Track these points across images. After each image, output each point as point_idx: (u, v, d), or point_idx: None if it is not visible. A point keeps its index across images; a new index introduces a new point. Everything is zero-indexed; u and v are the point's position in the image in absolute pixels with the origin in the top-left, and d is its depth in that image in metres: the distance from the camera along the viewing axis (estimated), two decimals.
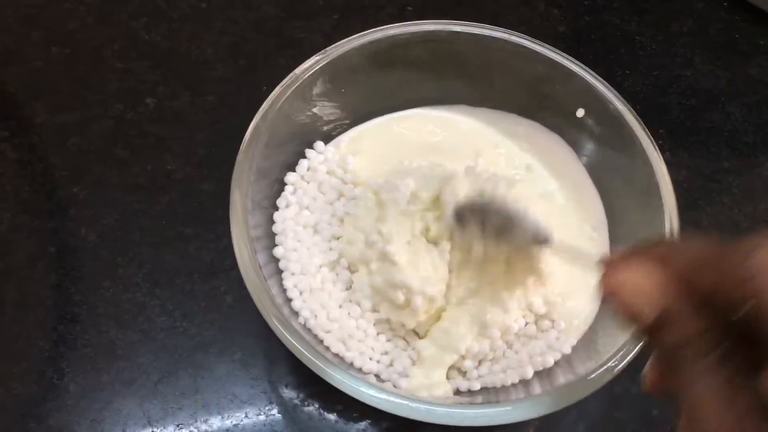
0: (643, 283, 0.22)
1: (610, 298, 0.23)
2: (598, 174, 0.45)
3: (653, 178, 0.40)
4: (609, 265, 0.23)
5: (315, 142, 0.46)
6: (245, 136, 0.41)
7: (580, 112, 0.44)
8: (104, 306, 0.45)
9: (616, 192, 0.44)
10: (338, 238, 0.41)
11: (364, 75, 0.44)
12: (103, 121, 0.53)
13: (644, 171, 0.41)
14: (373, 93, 0.46)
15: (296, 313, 0.39)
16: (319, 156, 0.45)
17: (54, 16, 0.58)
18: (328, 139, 0.47)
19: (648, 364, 0.26)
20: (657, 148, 0.41)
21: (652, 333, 0.22)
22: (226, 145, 0.50)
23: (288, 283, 0.40)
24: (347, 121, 0.47)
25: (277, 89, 0.42)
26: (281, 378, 0.44)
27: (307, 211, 0.43)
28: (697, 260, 0.21)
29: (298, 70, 0.43)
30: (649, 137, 0.41)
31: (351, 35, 0.58)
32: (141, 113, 0.53)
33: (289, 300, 0.40)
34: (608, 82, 0.57)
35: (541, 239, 0.33)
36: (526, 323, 0.40)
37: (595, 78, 0.43)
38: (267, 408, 0.43)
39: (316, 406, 0.43)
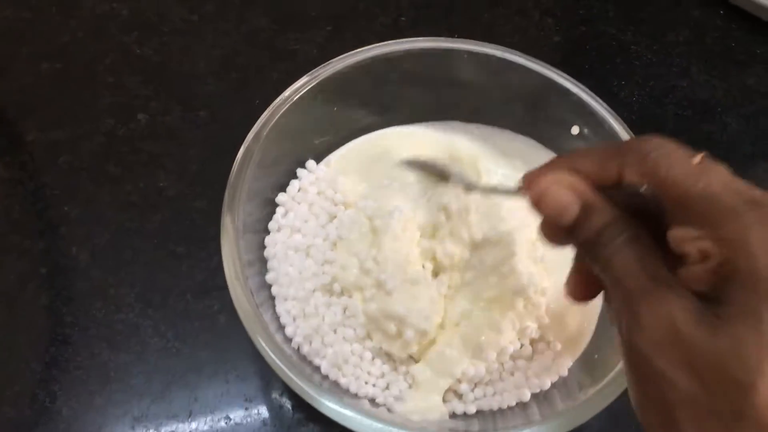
0: (563, 186, 0.26)
1: (538, 205, 0.27)
2: None
3: None
4: (530, 178, 0.27)
5: (307, 160, 0.46)
6: (236, 158, 0.41)
7: (575, 130, 0.44)
8: (96, 327, 0.45)
9: None
10: (331, 263, 0.41)
11: (356, 93, 0.44)
12: (95, 137, 0.52)
13: None
14: (365, 110, 0.46)
15: (290, 340, 0.39)
16: (310, 176, 0.45)
17: (44, 30, 0.58)
18: (320, 157, 0.46)
19: (569, 271, 0.30)
20: None
21: (576, 227, 0.26)
22: (218, 161, 0.49)
23: (281, 308, 0.39)
24: (339, 139, 0.47)
25: (268, 111, 0.42)
26: (276, 399, 0.43)
27: (299, 235, 0.42)
28: (602, 157, 0.26)
29: (288, 91, 0.42)
30: None
31: (345, 46, 0.58)
32: (133, 129, 0.53)
33: (282, 326, 0.39)
34: (603, 93, 0.56)
35: (468, 185, 0.36)
36: (522, 345, 0.39)
37: (590, 95, 0.43)
38: (262, 430, 0.42)
39: (312, 427, 0.42)
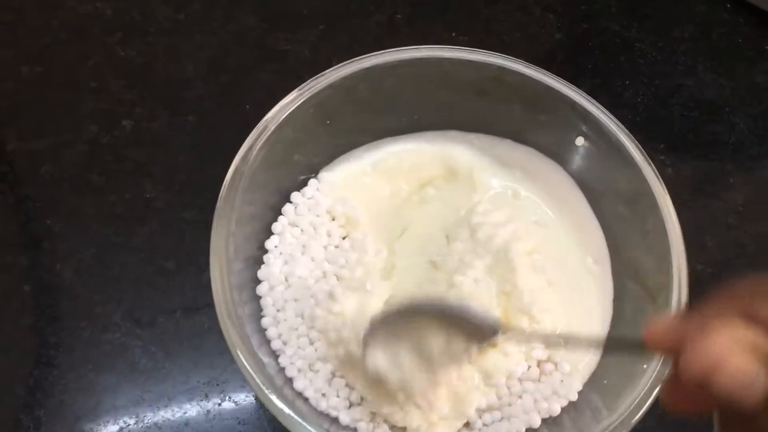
0: (745, 350, 0.16)
1: (706, 380, 0.17)
2: (599, 202, 0.43)
3: (657, 209, 0.38)
4: (682, 335, 0.18)
5: (304, 178, 0.43)
6: (224, 182, 0.38)
7: (579, 141, 0.42)
8: (82, 348, 0.43)
9: (618, 221, 0.42)
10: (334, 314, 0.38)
11: (350, 105, 0.42)
12: (78, 146, 0.50)
13: (647, 201, 0.39)
14: (359, 122, 0.43)
15: (291, 381, 0.37)
16: (306, 200, 0.43)
17: (24, 32, 0.55)
18: (316, 170, 0.44)
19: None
20: (661, 180, 0.39)
21: (754, 416, 0.16)
22: (207, 170, 0.47)
23: (284, 360, 0.38)
24: (335, 152, 0.44)
25: (255, 131, 0.39)
26: (272, 422, 0.42)
27: (296, 266, 0.40)
28: None
29: (277, 107, 0.40)
30: (651, 168, 0.39)
31: (338, 46, 0.56)
32: (117, 137, 0.51)
33: (283, 369, 0.38)
34: (607, 93, 0.55)
35: (488, 333, 0.31)
36: (529, 366, 0.38)
37: (592, 103, 0.41)
38: None
39: None
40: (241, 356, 0.33)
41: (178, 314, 0.44)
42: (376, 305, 0.35)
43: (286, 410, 0.32)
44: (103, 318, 0.44)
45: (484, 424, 0.36)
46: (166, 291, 0.45)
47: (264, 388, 0.32)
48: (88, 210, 0.48)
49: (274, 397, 0.32)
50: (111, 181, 0.49)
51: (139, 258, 0.46)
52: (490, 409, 0.37)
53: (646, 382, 0.32)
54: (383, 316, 0.32)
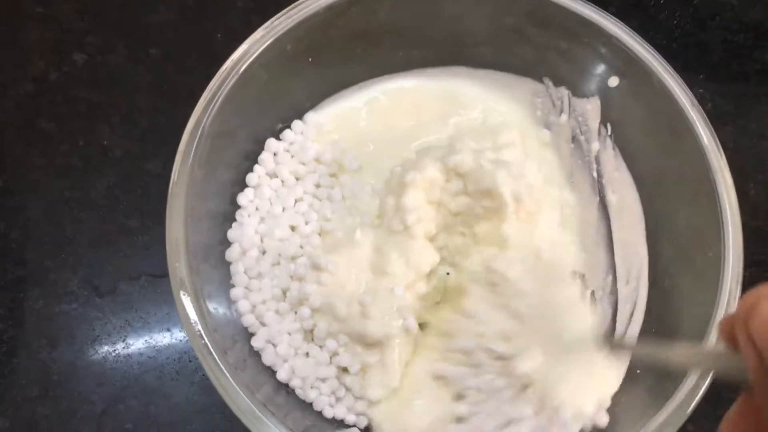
0: None
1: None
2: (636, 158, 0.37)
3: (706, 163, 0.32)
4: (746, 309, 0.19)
5: (282, 126, 0.37)
6: (188, 123, 0.32)
7: (613, 81, 0.35)
8: (34, 321, 0.38)
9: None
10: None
11: (337, 38, 0.35)
12: (22, 85, 0.44)
13: (696, 159, 0.32)
14: (349, 57, 0.36)
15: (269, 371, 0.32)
16: (289, 146, 0.37)
17: None
18: (300, 113, 0.38)
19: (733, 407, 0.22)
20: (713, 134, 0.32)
21: None
22: (173, 112, 0.41)
23: (258, 341, 0.33)
24: (322, 93, 0.38)
25: (222, 72, 0.33)
26: None
27: (274, 241, 0.35)
28: None
29: (245, 45, 0.33)
30: (703, 119, 0.32)
31: None
32: (67, 73, 0.44)
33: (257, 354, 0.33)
34: (639, 15, 0.47)
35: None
36: None
37: (622, 29, 0.34)
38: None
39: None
40: (201, 338, 0.28)
41: (143, 281, 0.39)
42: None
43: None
44: (58, 286, 0.39)
45: None
46: (129, 254, 0.40)
47: (229, 393, 0.27)
48: (35, 161, 0.42)
49: (241, 400, 0.27)
50: (62, 126, 0.43)
51: (97, 215, 0.41)
52: None
53: None
54: None
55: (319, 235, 0.35)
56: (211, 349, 0.28)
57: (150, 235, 0.40)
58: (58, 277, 0.39)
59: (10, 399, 0.37)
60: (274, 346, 0.33)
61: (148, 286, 0.39)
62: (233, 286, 0.34)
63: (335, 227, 0.35)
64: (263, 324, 0.33)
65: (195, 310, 0.29)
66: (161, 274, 0.39)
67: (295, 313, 0.33)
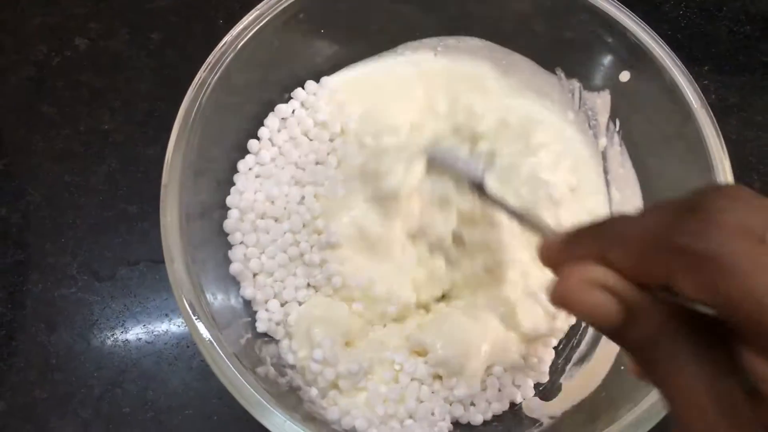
0: (593, 285, 0.19)
1: (562, 307, 0.20)
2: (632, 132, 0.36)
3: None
4: (549, 259, 0.22)
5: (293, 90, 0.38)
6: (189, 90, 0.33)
7: (624, 76, 0.35)
8: (33, 305, 0.38)
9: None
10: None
11: (349, 7, 0.35)
12: (24, 69, 0.43)
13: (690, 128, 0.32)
14: (361, 31, 0.37)
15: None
16: (299, 109, 0.38)
17: None
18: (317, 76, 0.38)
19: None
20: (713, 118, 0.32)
21: (618, 335, 0.19)
22: (175, 97, 0.40)
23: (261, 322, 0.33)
24: (333, 66, 0.38)
25: (221, 46, 0.33)
26: None
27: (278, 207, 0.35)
28: (642, 251, 0.18)
29: (251, 15, 0.33)
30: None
31: None
32: (70, 58, 0.44)
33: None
34: (643, 4, 0.46)
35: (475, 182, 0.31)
36: None
37: (626, 14, 0.33)
38: (236, 425, 0.36)
39: None
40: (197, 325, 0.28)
41: (143, 266, 0.39)
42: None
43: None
44: (57, 270, 0.39)
45: None
46: (129, 239, 0.40)
47: (229, 379, 0.27)
48: (37, 145, 0.42)
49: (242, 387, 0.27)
50: (63, 111, 0.43)
51: (97, 201, 0.41)
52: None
53: None
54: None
55: (315, 198, 0.36)
56: (209, 336, 0.28)
57: (150, 220, 0.40)
58: (57, 262, 0.39)
59: (9, 382, 0.37)
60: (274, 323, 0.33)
61: (147, 272, 0.39)
62: (232, 262, 0.34)
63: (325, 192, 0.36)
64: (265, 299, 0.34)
65: (192, 297, 0.29)
66: (160, 259, 0.39)
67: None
